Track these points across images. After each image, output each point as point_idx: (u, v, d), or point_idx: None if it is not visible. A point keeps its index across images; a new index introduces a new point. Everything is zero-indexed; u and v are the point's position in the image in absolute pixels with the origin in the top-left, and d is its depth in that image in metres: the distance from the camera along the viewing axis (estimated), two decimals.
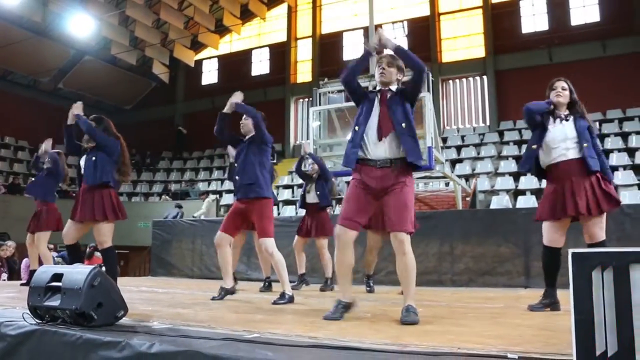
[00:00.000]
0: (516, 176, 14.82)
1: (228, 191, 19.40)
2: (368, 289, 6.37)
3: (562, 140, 4.14)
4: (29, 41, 20.04)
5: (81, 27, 20.48)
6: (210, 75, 25.38)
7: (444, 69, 20.13)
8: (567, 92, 4.27)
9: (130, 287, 6.50)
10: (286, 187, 17.82)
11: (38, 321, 3.10)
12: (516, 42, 19.06)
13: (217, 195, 18.97)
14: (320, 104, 10.89)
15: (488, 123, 19.26)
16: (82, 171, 5.16)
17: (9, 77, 21.93)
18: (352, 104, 10.40)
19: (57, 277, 3.10)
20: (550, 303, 4.19)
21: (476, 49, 20.03)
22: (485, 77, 19.62)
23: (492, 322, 3.62)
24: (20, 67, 21.60)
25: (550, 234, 4.14)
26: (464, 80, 20.24)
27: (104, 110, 24.33)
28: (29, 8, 19.01)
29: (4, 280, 8.99)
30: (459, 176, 14.35)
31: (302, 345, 2.54)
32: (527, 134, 16.50)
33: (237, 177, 5.03)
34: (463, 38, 20.40)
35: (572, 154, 4.10)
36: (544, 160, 4.22)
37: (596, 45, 17.84)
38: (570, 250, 2.12)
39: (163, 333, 2.82)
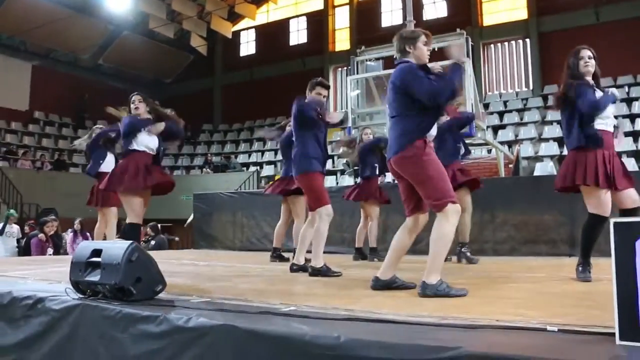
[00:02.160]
0: (560, 142, 14.41)
1: (269, 162, 19.53)
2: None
3: (606, 116, 4.08)
4: (68, 19, 20.33)
5: (118, 2, 20.66)
6: (248, 46, 25.34)
7: (485, 33, 19.54)
8: (593, 61, 4.14)
9: (172, 260, 6.63)
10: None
11: (80, 296, 3.19)
12: (561, 1, 18.30)
13: (258, 167, 19.13)
14: (358, 73, 10.74)
15: (531, 87, 18.71)
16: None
17: (51, 55, 22.36)
18: (390, 71, 10.25)
19: (97, 252, 3.18)
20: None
21: (519, 10, 19.34)
22: (528, 40, 18.98)
23: (533, 292, 3.55)
24: (61, 45, 21.96)
25: (607, 204, 3.97)
26: (506, 44, 19.65)
27: (144, 85, 24.63)
28: None
29: (50, 254, 9.30)
30: (502, 143, 14.07)
31: (337, 319, 2.54)
32: None
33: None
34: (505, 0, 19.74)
35: (610, 126, 4.10)
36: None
37: None
38: (612, 220, 2.05)
39: (200, 307, 2.86)
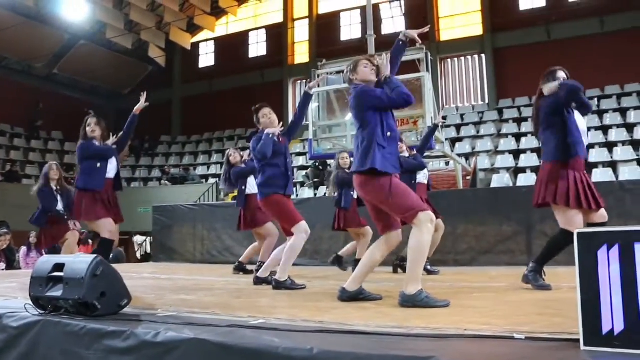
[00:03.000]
0: (516, 154, 14.80)
1: None
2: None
3: (583, 131, 4.22)
4: (22, 26, 19.82)
5: (75, 10, 20.30)
6: (207, 58, 25.18)
7: (442, 48, 19.97)
8: None
9: (131, 274, 6.50)
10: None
11: (41, 312, 3.08)
12: (514, 19, 18.88)
13: (217, 179, 18.93)
14: (319, 86, 10.80)
15: (487, 101, 19.16)
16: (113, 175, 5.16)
17: (3, 62, 21.73)
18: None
19: (59, 267, 3.08)
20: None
21: (474, 26, 19.86)
22: (483, 55, 19.48)
23: (496, 301, 3.61)
24: (14, 53, 21.37)
25: (578, 222, 4.07)
26: (463, 58, 20.10)
27: (101, 95, 24.25)
28: None
29: (2, 270, 8.97)
30: (459, 155, 14.33)
31: (308, 331, 2.53)
32: (527, 112, 16.47)
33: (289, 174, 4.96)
34: (461, 16, 20.21)
35: (586, 143, 4.23)
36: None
37: (594, 21, 17.67)
38: (577, 230, 2.11)
39: (168, 321, 2.80)
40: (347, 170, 6.81)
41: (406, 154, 6.49)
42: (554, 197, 4.08)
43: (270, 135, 4.79)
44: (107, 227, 4.94)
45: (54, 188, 6.85)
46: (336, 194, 6.80)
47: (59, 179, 6.91)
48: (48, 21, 20.88)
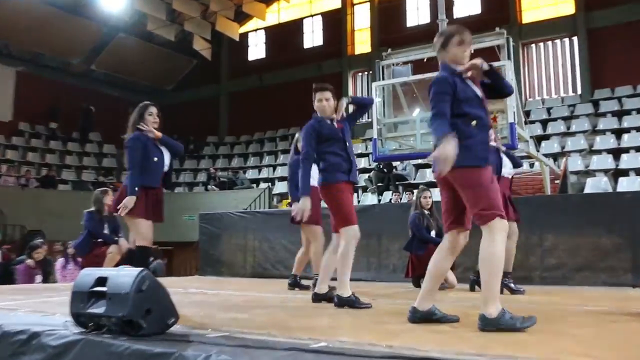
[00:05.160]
0: (616, 154, 14.30)
1: (281, 178, 19.57)
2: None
3: None
4: (56, 20, 20.63)
5: (113, 1, 20.94)
6: (257, 49, 25.56)
7: (525, 31, 19.53)
8: None
9: (177, 289, 6.61)
10: None
11: (82, 330, 3.18)
12: None
13: (269, 184, 19.15)
14: (383, 78, 10.76)
15: (579, 92, 18.61)
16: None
17: (38, 59, 22.60)
18: (420, 77, 10.24)
19: (102, 281, 3.17)
20: None
21: (564, 5, 19.31)
22: (575, 38, 18.91)
23: (599, 329, 3.48)
24: (50, 49, 22.25)
25: None
26: (550, 43, 19.61)
27: (142, 92, 24.84)
28: None
29: (39, 282, 9.32)
30: (546, 155, 13.96)
31: (376, 356, 2.51)
32: (629, 104, 15.91)
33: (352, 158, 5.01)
34: None
35: None
36: None
37: None
38: None
39: (219, 343, 2.84)
40: (427, 212, 6.87)
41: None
42: None
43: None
44: (142, 230, 5.06)
45: (104, 214, 7.31)
46: (410, 236, 6.95)
47: (110, 205, 7.28)
48: (84, 13, 21.63)
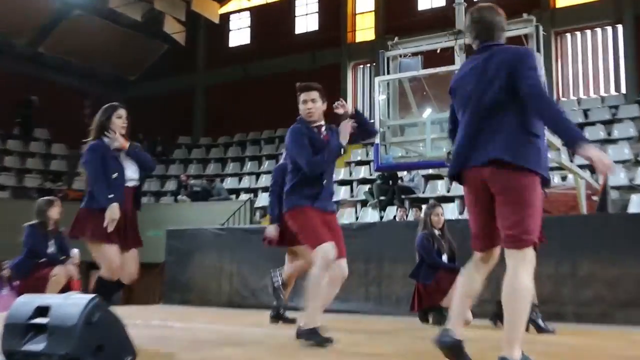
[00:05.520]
0: None
1: (265, 189, 19.54)
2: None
3: None
4: None
5: None
6: (240, 34, 25.58)
7: (558, 17, 19.55)
8: None
9: (136, 321, 6.56)
10: (342, 182, 17.79)
11: None
12: None
13: (251, 195, 19.11)
14: (388, 72, 10.76)
15: (623, 91, 18.68)
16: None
17: None
18: (432, 71, 10.23)
19: (42, 310, 3.12)
20: None
21: None
22: (619, 27, 18.96)
23: None
24: None
25: None
26: (588, 32, 19.60)
27: (100, 82, 24.76)
28: None
29: None
30: (582, 167, 13.96)
31: None
32: None
33: (325, 181, 5.05)
34: None
35: None
36: None
37: None
38: None
39: None
40: (438, 232, 6.88)
41: None
42: None
43: None
44: (105, 256, 5.03)
45: (49, 228, 7.26)
46: (417, 261, 6.96)
47: (58, 219, 7.26)
48: None
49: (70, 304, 3.06)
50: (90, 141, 5.20)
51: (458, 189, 13.35)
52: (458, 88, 3.72)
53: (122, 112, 5.31)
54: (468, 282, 3.67)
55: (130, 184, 5.22)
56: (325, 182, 5.01)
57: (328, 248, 4.74)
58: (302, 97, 5.04)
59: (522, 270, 3.35)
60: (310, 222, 4.89)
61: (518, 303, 3.34)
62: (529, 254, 3.38)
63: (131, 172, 5.24)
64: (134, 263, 5.33)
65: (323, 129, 5.03)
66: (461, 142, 3.61)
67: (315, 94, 5.03)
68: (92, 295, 3.08)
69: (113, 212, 4.91)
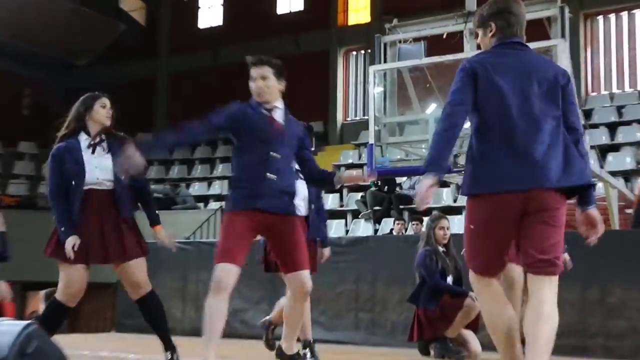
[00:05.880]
0: None
1: None
2: None
3: None
4: None
5: None
6: (211, 13, 25.61)
7: None
8: None
9: (83, 352, 6.54)
10: (330, 190, 17.76)
11: None
12: None
13: (222, 203, 19.06)
14: (385, 60, 10.77)
15: None
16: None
17: None
18: (437, 59, 10.26)
19: None
20: None
21: None
22: None
23: None
24: None
25: None
26: (624, 14, 19.70)
27: (44, 66, 24.65)
28: None
29: None
30: (614, 173, 14.03)
31: None
32: None
33: (273, 176, 4.87)
34: None
35: None
36: None
37: None
38: None
39: None
40: (442, 249, 6.89)
41: None
42: None
43: None
44: (65, 279, 5.11)
45: None
46: (417, 282, 6.99)
47: None
48: None
49: (1, 332, 3.03)
50: (60, 139, 5.27)
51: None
52: (491, 79, 3.61)
53: (105, 100, 5.45)
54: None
55: (102, 187, 5.25)
56: (272, 176, 4.83)
57: (219, 270, 4.85)
58: (252, 72, 5.05)
59: (552, 297, 3.45)
60: (223, 232, 4.94)
61: (548, 333, 3.39)
62: (556, 278, 3.50)
63: (104, 174, 5.30)
64: (134, 275, 5.48)
65: (278, 112, 5.01)
66: (506, 153, 3.55)
67: (267, 70, 5.01)
68: (28, 322, 3.06)
69: (67, 250, 4.94)
